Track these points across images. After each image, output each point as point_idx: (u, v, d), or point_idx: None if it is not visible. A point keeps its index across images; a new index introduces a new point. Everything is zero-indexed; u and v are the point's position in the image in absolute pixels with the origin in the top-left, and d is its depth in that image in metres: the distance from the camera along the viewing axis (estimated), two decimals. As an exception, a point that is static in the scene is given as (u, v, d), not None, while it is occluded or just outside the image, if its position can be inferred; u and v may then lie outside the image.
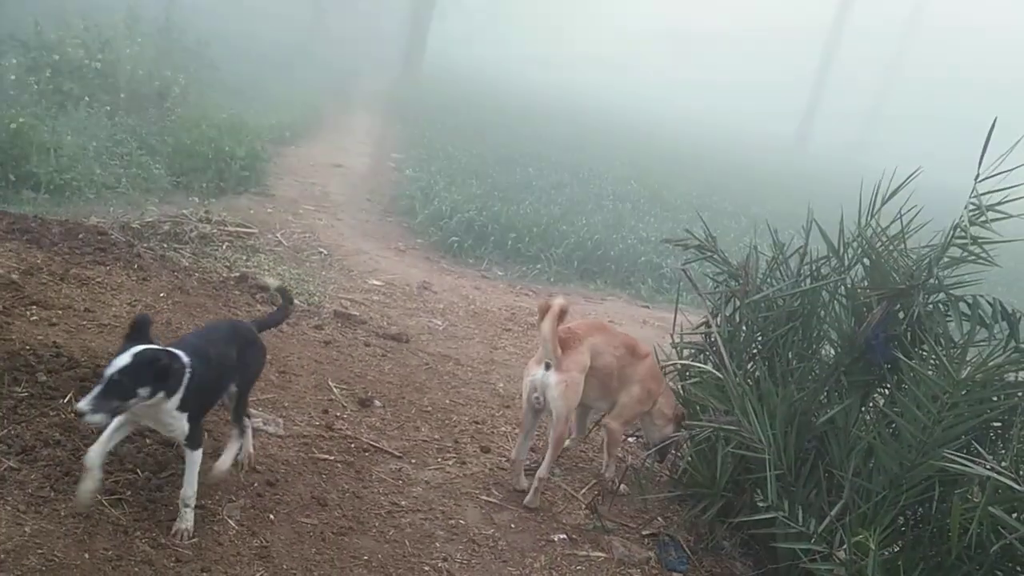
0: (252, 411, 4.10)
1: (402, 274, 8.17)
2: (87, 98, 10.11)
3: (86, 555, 2.89)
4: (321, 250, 8.25)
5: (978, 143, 3.67)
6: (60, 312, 4.53)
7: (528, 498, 4.07)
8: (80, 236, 5.81)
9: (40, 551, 2.83)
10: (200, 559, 3.05)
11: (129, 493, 3.26)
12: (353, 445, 4.20)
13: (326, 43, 28.12)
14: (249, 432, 3.66)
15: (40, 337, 4.15)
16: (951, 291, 3.93)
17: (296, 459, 3.90)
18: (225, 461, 3.41)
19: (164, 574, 2.92)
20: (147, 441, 3.58)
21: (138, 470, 3.41)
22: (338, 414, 4.49)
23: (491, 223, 10.29)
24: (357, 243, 8.99)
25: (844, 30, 37.25)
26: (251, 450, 3.69)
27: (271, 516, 3.40)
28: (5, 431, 3.38)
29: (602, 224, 11.32)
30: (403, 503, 3.82)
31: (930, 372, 3.57)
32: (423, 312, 7.12)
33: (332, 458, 4.01)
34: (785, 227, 5.09)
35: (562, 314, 3.89)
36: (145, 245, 6.20)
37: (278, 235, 8.33)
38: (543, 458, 4.09)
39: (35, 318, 4.38)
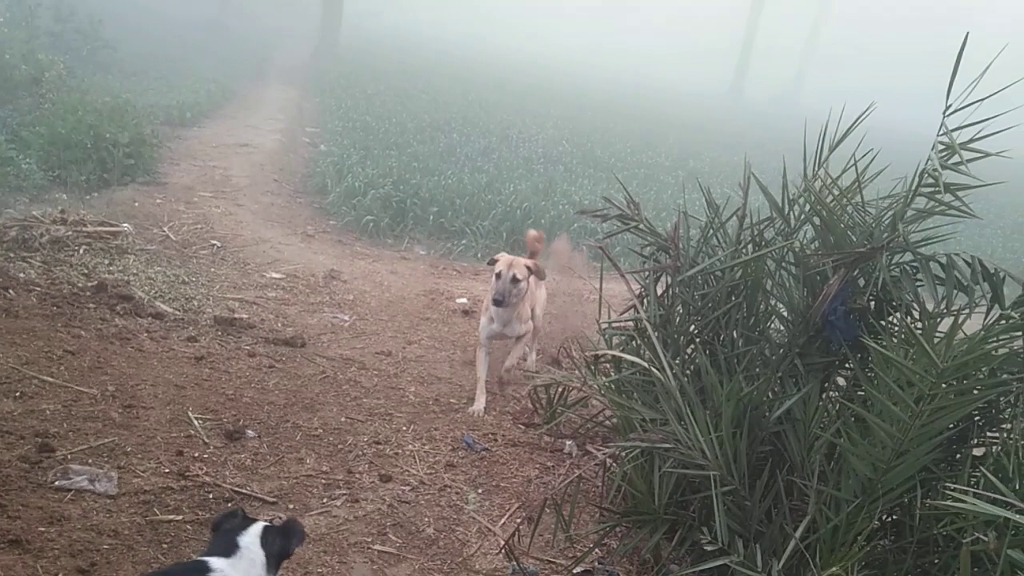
0: (75, 467, 3.27)
1: (307, 263, 7.29)
2: (-58, 87, 8.95)
3: None
4: (213, 242, 7.31)
5: (923, 76, 2.98)
6: None
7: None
8: None
9: None
10: None
11: None
12: (211, 495, 3.38)
13: (238, 17, 26.56)
14: None
15: None
16: (920, 250, 3.24)
17: (129, 526, 3.06)
18: None
19: None
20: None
21: None
22: (196, 454, 3.65)
23: (410, 197, 9.41)
24: (258, 231, 8.06)
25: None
26: None
27: (74, 621, 2.58)
28: None
29: (532, 190, 10.50)
30: (269, 570, 3.03)
31: (901, 352, 2.92)
32: (328, 307, 6.28)
33: (180, 518, 3.18)
34: (723, 183, 4.39)
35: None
36: (-21, 258, 5.24)
37: (165, 229, 7.37)
38: None
39: None
